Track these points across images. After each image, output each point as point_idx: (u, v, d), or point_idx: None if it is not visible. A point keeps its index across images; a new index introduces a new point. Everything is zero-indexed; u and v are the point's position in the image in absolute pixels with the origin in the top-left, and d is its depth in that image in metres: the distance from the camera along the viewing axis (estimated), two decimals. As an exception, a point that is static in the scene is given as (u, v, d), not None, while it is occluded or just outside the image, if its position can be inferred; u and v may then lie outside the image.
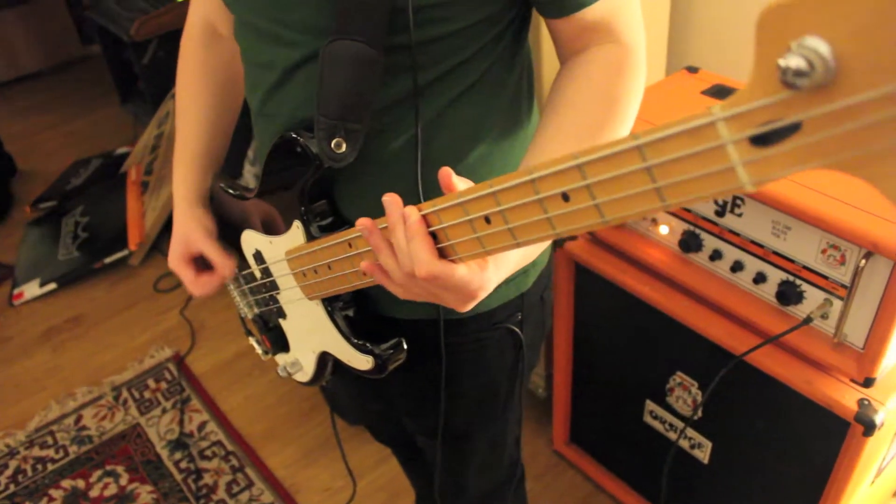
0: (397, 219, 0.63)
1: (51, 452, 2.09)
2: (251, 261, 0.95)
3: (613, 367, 1.58)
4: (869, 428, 1.11)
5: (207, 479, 1.97)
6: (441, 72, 0.76)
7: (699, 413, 1.41)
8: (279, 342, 1.01)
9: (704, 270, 1.30)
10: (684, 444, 1.48)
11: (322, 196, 0.83)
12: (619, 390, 1.59)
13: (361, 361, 0.86)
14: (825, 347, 1.16)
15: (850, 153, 0.34)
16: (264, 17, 0.77)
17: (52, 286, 2.67)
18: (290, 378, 1.02)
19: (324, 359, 0.94)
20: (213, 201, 1.00)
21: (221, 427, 2.12)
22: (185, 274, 1.00)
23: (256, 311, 1.02)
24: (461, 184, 0.61)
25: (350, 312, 0.88)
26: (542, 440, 1.94)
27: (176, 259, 1.00)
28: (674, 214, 1.31)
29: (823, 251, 1.11)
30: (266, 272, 0.93)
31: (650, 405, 1.52)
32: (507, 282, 0.91)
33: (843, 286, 1.10)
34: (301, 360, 0.99)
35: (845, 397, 1.14)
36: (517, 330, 0.95)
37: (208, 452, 2.05)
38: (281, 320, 0.98)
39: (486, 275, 0.64)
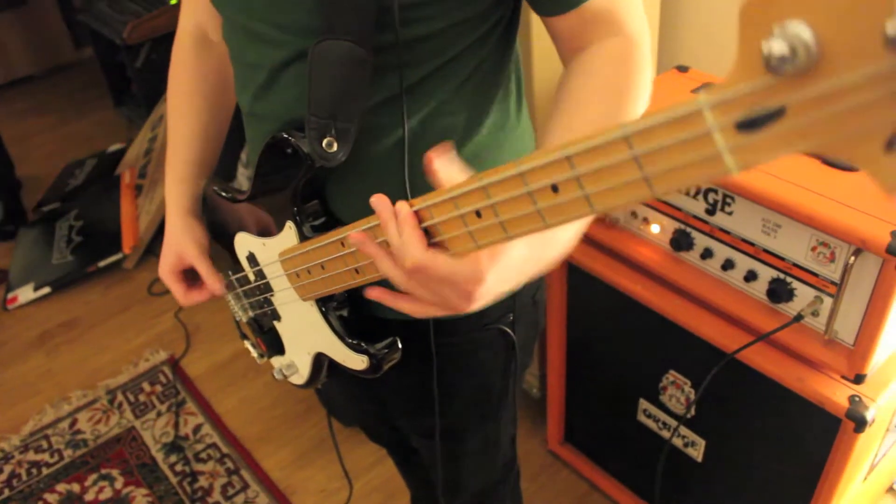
0: (389, 216, 0.62)
1: (45, 457, 2.09)
2: (245, 263, 0.95)
3: (607, 367, 1.59)
4: (860, 424, 1.12)
5: (203, 481, 1.97)
6: (427, 71, 0.76)
7: (692, 411, 1.41)
8: (274, 345, 1.01)
9: (696, 269, 1.30)
10: (678, 442, 1.48)
11: (314, 196, 0.84)
12: (613, 389, 1.60)
13: (356, 361, 0.86)
14: (816, 345, 1.16)
15: (834, 136, 0.34)
16: (253, 16, 0.77)
17: (47, 290, 2.66)
18: (285, 381, 1.02)
19: (319, 360, 0.94)
20: (205, 203, 1.00)
21: (216, 429, 2.12)
22: (175, 288, 1.01)
23: (251, 314, 1.03)
24: (443, 169, 0.61)
25: (344, 312, 0.88)
26: (536, 440, 1.94)
27: (166, 271, 1.01)
28: (665, 213, 1.32)
29: (813, 249, 1.11)
30: (260, 274, 0.93)
31: (644, 404, 1.52)
32: None
33: (833, 283, 1.11)
34: (296, 362, 0.99)
35: (836, 394, 1.15)
36: (509, 331, 0.96)
37: (203, 455, 2.05)
38: (276, 323, 0.98)
39: (478, 266, 0.61)
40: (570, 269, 1.51)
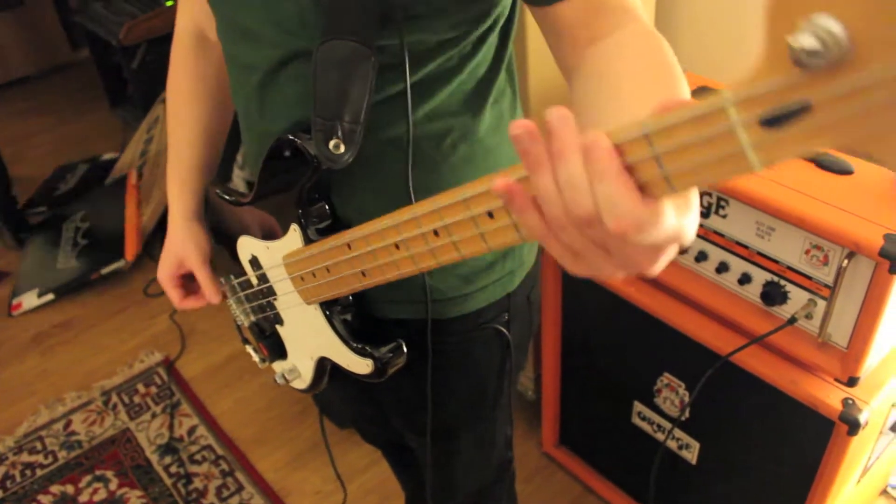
0: (570, 142, 0.44)
1: (40, 458, 2.08)
2: (247, 267, 0.95)
3: (601, 369, 1.59)
4: (853, 427, 1.12)
5: (197, 483, 1.97)
6: (427, 70, 0.76)
7: (686, 414, 1.41)
8: (276, 349, 1.01)
9: (690, 272, 1.31)
10: (672, 444, 1.48)
11: (318, 198, 0.83)
12: (608, 392, 1.60)
13: (361, 365, 0.86)
14: (810, 347, 1.17)
15: (860, 132, 0.33)
16: (248, 15, 0.77)
17: (50, 297, 2.64)
18: (287, 385, 1.01)
19: (322, 364, 0.94)
20: (207, 206, 1.00)
21: (211, 431, 2.12)
22: (173, 294, 1.01)
23: (253, 318, 1.02)
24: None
25: (348, 316, 0.88)
26: (531, 442, 1.94)
27: (166, 276, 1.01)
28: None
29: (807, 252, 1.12)
30: (263, 278, 0.93)
31: (638, 406, 1.52)
32: (494, 282, 0.91)
33: (827, 286, 1.11)
34: (299, 366, 0.99)
35: (830, 397, 1.15)
36: (504, 330, 0.96)
37: (198, 457, 2.05)
38: (278, 327, 0.98)
39: (685, 221, 0.47)
40: (565, 272, 1.52)
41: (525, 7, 0.78)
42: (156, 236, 2.77)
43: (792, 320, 1.16)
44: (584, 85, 0.67)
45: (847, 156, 1.14)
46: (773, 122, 0.36)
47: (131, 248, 2.70)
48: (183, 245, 0.98)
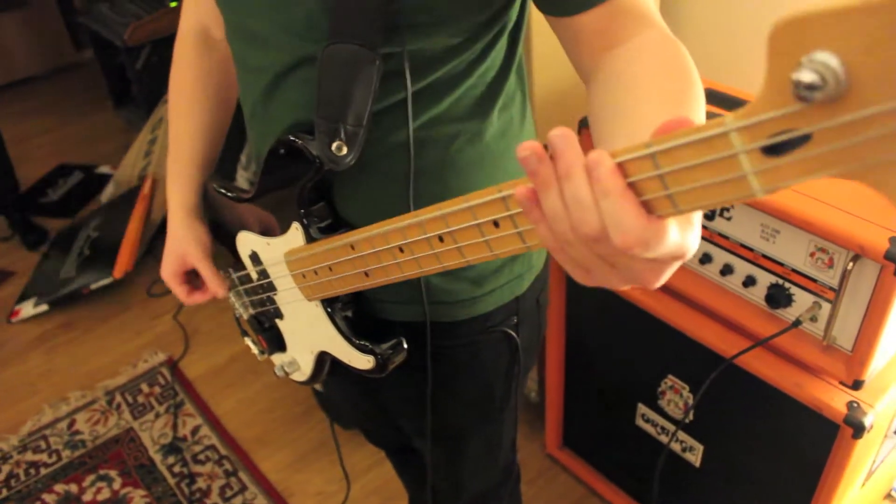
0: (574, 163, 0.46)
1: (44, 457, 2.08)
2: (247, 262, 0.96)
3: (605, 371, 1.59)
4: (858, 430, 1.12)
5: (201, 483, 1.97)
6: (433, 77, 0.77)
7: (690, 416, 1.41)
8: (276, 342, 1.01)
9: (695, 274, 1.31)
10: (676, 447, 1.48)
11: (320, 198, 0.84)
12: (612, 394, 1.60)
13: (362, 361, 0.87)
14: (814, 350, 1.17)
15: (858, 163, 0.35)
16: (255, 18, 0.77)
17: (44, 308, 2.63)
18: (287, 378, 1.02)
19: (322, 358, 0.94)
20: (206, 200, 1.01)
21: (215, 431, 2.12)
22: (178, 290, 1.02)
23: (252, 311, 1.03)
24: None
25: (349, 313, 0.89)
26: (535, 444, 1.94)
27: (169, 273, 1.01)
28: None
29: (812, 254, 1.12)
30: (263, 274, 0.93)
31: (642, 408, 1.52)
32: (503, 285, 0.91)
33: (832, 289, 1.11)
34: (298, 359, 0.99)
35: (834, 400, 1.15)
36: (513, 333, 0.96)
37: (202, 457, 2.05)
38: (278, 320, 0.99)
39: (688, 238, 0.48)
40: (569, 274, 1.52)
41: (530, 9, 0.78)
42: (158, 236, 2.77)
43: (797, 323, 1.16)
44: (601, 86, 0.68)
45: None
46: (774, 150, 0.38)
47: (121, 265, 2.64)
48: (183, 241, 0.99)
